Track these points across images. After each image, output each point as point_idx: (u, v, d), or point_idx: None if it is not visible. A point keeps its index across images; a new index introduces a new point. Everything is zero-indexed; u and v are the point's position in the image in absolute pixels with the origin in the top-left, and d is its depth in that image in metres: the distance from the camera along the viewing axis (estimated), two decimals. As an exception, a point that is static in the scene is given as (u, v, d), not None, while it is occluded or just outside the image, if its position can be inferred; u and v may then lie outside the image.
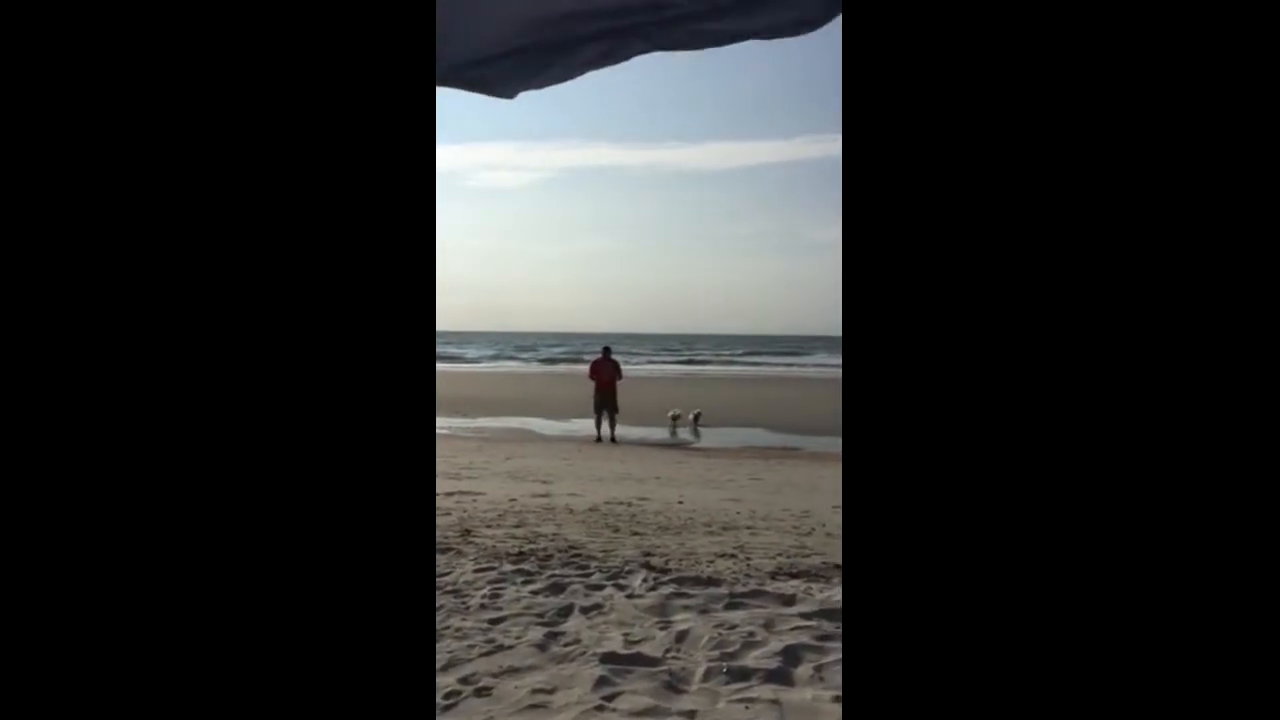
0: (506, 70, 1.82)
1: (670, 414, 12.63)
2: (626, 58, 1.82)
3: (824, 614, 2.91)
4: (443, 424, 11.32)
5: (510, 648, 2.58)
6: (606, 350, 11.71)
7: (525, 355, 39.52)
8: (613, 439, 10.79)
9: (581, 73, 1.87)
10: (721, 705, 2.17)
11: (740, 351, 49.72)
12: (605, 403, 10.97)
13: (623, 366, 11.65)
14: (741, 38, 1.74)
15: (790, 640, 2.61)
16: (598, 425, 10.97)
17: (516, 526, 4.62)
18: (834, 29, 1.66)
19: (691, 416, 12.60)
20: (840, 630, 2.76)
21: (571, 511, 5.16)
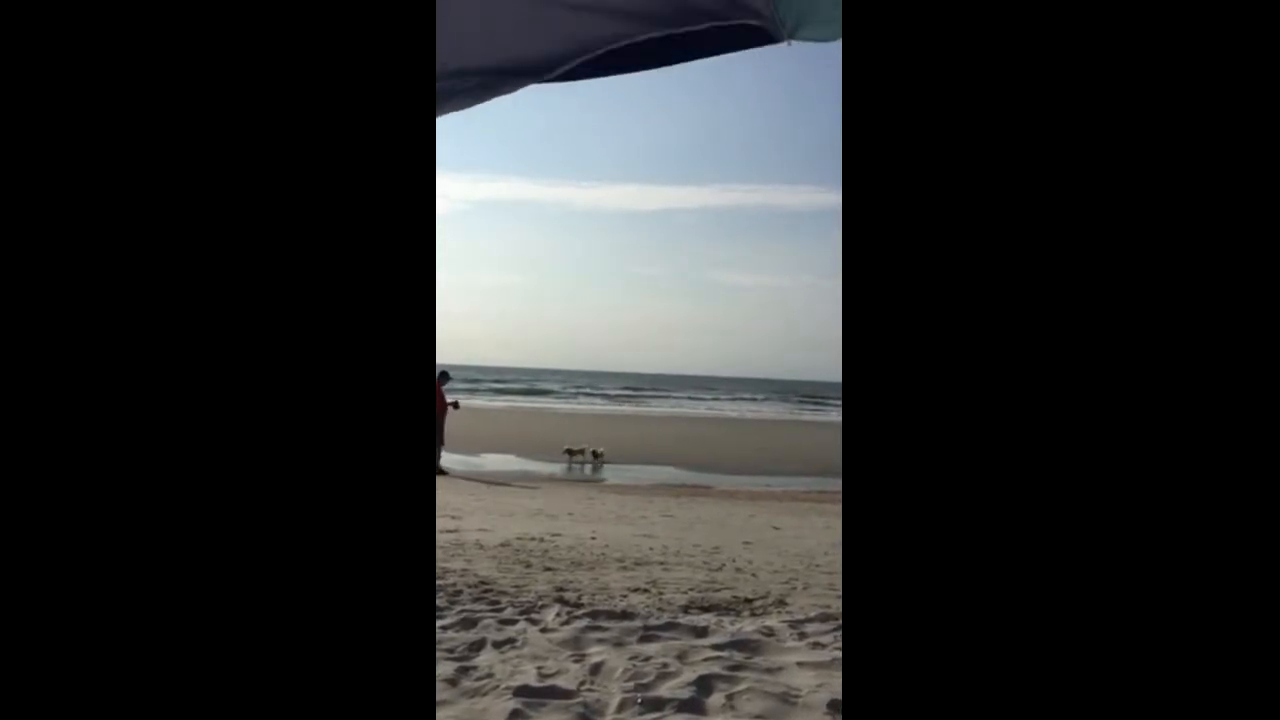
0: (450, 90, 1.82)
1: (565, 449, 12.54)
2: (576, 76, 1.82)
3: (735, 645, 2.96)
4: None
5: (420, 683, 2.51)
6: (443, 376, 11.15)
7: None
8: (440, 469, 10.40)
9: (519, 86, 1.85)
10: (636, 735, 2.18)
11: (648, 389, 50.14)
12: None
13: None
14: (692, 55, 1.77)
15: (703, 670, 2.65)
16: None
17: (425, 562, 4.49)
18: (767, 66, 1.73)
19: (592, 454, 12.46)
20: (751, 661, 2.82)
21: (482, 547, 5.06)
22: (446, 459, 10.99)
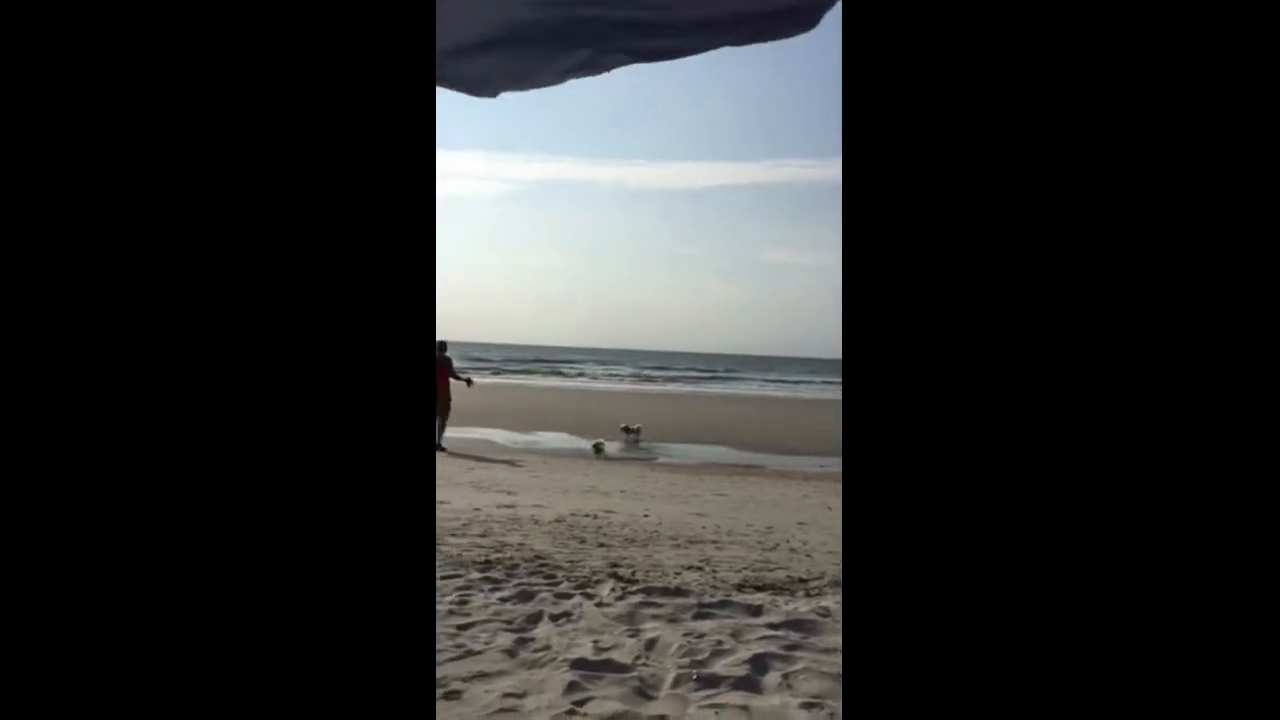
0: (488, 69, 1.83)
1: (622, 426, 12.59)
2: (609, 67, 1.84)
3: (790, 625, 2.95)
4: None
5: (480, 653, 2.57)
6: (440, 346, 10.27)
7: (490, 366, 39.33)
8: (439, 446, 9.85)
9: (564, 79, 1.89)
10: (691, 711, 2.19)
11: (700, 369, 50.02)
12: (436, 406, 9.93)
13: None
14: (722, 42, 1.76)
15: (758, 649, 2.65)
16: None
17: (482, 536, 4.58)
18: (823, 36, 1.71)
19: (634, 429, 12.43)
20: (807, 640, 2.81)
21: (537, 522, 5.14)
22: (451, 434, 10.66)
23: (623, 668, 2.47)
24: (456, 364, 10.87)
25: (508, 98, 1.96)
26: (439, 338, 10.37)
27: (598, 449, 11.15)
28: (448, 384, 10.20)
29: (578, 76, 1.86)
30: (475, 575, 3.56)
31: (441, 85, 1.82)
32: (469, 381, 11.18)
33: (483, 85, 1.85)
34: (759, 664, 2.52)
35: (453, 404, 10.40)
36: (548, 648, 2.64)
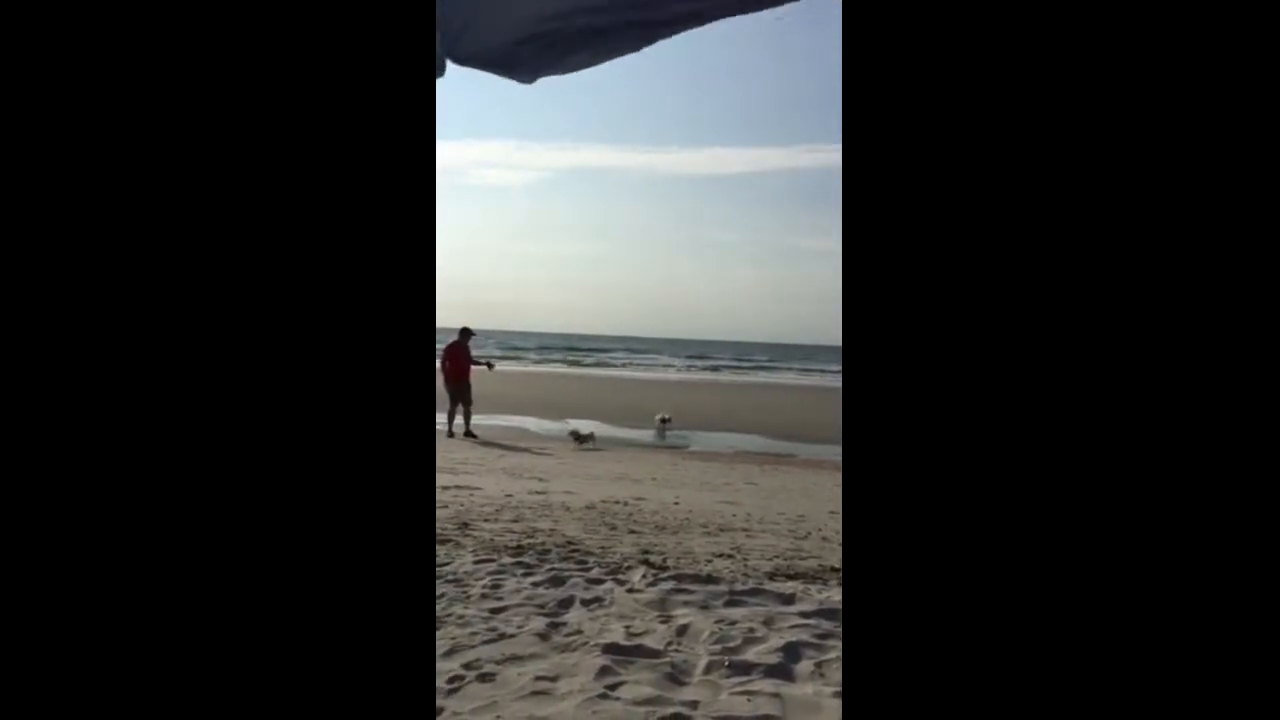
0: (525, 54, 1.84)
1: (658, 417, 12.57)
2: (622, 51, 1.83)
3: (823, 613, 2.93)
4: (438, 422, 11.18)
5: (513, 636, 2.60)
6: (465, 332, 10.26)
7: (520, 355, 39.62)
8: (468, 432, 10.00)
9: (599, 60, 1.88)
10: (723, 697, 2.19)
11: (739, 358, 49.82)
12: (461, 393, 9.98)
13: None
14: (730, 11, 1.74)
15: (790, 637, 2.64)
16: (450, 418, 9.98)
17: (514, 521, 4.63)
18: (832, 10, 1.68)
19: (658, 419, 12.38)
20: (840, 630, 2.79)
21: (568, 509, 5.17)
22: (483, 421, 10.68)
23: (654, 653, 2.48)
24: (485, 352, 10.92)
25: (538, 85, 1.97)
26: (463, 325, 10.51)
27: (579, 438, 9.84)
28: (468, 371, 10.12)
29: (609, 58, 1.86)
30: (508, 560, 3.59)
31: (479, 68, 1.84)
32: (490, 365, 11.23)
33: (520, 69, 1.86)
34: (791, 652, 2.51)
35: (478, 391, 10.44)
36: (579, 632, 2.66)
